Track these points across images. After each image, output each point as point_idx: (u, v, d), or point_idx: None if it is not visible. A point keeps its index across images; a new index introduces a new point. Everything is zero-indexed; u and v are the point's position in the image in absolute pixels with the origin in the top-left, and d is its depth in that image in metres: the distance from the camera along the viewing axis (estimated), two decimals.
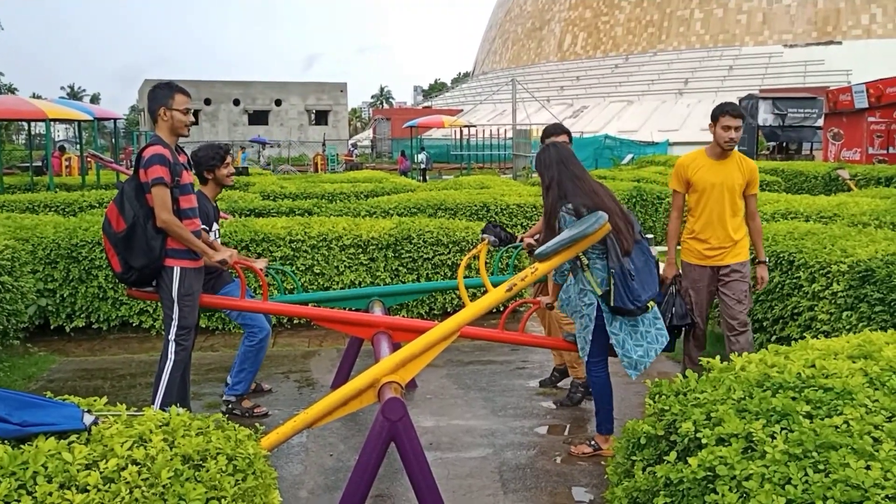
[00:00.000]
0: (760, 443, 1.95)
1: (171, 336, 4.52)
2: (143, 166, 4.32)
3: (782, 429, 2.00)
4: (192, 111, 4.67)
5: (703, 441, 2.04)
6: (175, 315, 4.49)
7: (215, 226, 5.38)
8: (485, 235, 5.62)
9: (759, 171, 15.00)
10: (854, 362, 2.41)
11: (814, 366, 2.38)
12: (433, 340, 3.71)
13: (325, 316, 4.99)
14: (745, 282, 5.09)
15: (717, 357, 2.66)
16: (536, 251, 3.90)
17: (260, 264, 5.37)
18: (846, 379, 2.22)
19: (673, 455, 2.10)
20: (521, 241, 5.49)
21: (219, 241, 5.43)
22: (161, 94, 4.49)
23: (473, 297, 7.40)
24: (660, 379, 2.58)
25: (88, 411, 2.31)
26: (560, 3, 68.96)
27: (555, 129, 5.59)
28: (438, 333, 3.74)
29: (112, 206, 4.46)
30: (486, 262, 8.05)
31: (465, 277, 7.91)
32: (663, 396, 2.41)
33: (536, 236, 5.32)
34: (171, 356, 4.51)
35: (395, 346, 4.53)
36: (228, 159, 5.42)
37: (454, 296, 8.14)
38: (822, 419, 2.02)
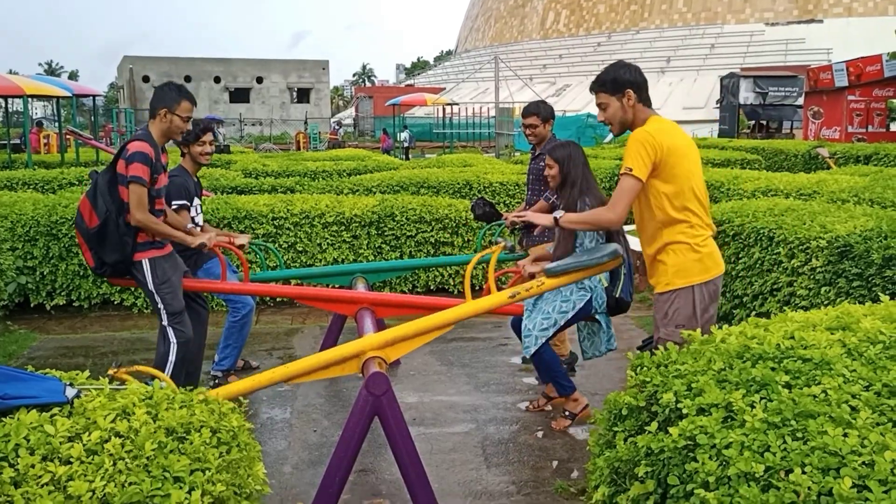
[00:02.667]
0: (740, 412, 1.97)
1: (165, 322, 4.49)
2: (126, 159, 4.26)
3: (762, 398, 2.03)
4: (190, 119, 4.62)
5: (684, 411, 2.06)
6: (160, 304, 4.47)
7: (197, 201, 5.33)
8: (477, 215, 5.66)
9: (738, 151, 14.87)
10: (832, 334, 2.44)
11: (793, 337, 2.42)
12: (426, 327, 3.71)
13: (308, 294, 4.99)
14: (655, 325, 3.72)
15: (698, 330, 2.69)
16: (548, 267, 3.78)
17: (242, 240, 5.33)
18: (824, 350, 2.25)
19: (654, 425, 2.12)
20: (506, 219, 5.52)
21: (201, 216, 5.39)
22: (168, 95, 4.43)
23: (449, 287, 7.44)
24: (641, 351, 2.61)
25: (71, 384, 2.30)
26: None
27: (530, 110, 5.65)
28: (433, 322, 3.73)
29: (84, 201, 4.40)
30: (469, 239, 8.07)
31: (447, 255, 7.95)
32: (645, 368, 2.43)
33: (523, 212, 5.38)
34: (173, 339, 4.47)
35: (379, 322, 4.55)
36: (206, 137, 5.29)
37: (437, 273, 8.15)
38: (801, 388, 2.05)
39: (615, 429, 2.33)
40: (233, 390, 3.59)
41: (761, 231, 5.55)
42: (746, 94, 29.27)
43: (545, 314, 4.55)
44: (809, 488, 1.69)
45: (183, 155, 5.35)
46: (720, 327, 2.72)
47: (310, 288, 5.39)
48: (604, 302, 4.52)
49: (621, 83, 3.51)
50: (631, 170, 3.34)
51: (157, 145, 4.39)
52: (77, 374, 2.49)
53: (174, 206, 5.05)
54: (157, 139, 4.42)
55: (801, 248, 5.11)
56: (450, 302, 4.81)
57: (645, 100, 3.55)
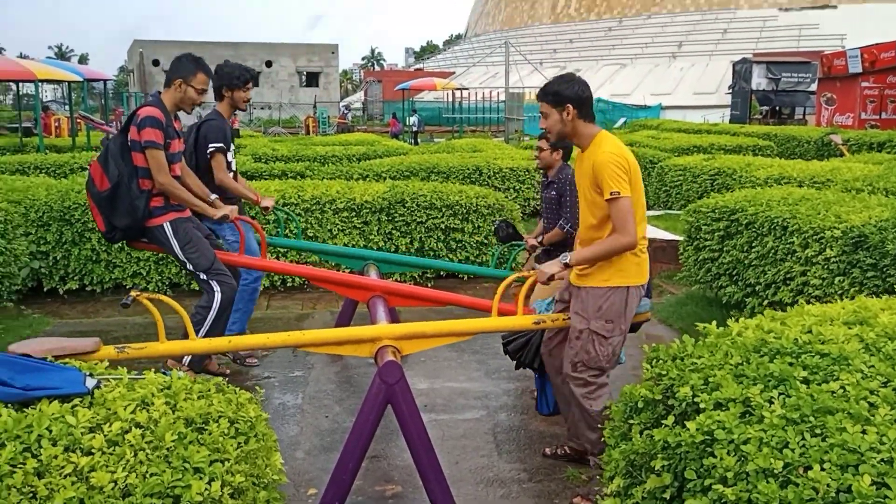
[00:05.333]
0: (758, 407, 1.97)
1: (203, 277, 4.48)
2: (137, 125, 4.27)
3: (780, 394, 2.03)
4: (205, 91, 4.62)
5: (702, 405, 2.06)
6: (189, 265, 4.46)
7: (232, 146, 5.32)
8: (501, 237, 5.64)
9: (750, 137, 14.76)
10: (850, 328, 2.44)
11: (810, 332, 2.41)
12: (446, 331, 3.75)
13: (323, 276, 4.98)
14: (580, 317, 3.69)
15: (714, 322, 2.69)
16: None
17: (268, 202, 5.36)
18: (842, 345, 2.25)
19: (671, 419, 2.12)
20: (526, 241, 5.52)
21: (234, 162, 5.37)
22: (184, 66, 4.45)
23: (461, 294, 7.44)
24: (657, 344, 2.61)
25: (90, 375, 2.32)
26: None
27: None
28: (453, 328, 3.78)
29: (95, 165, 4.40)
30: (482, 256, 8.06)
31: (468, 263, 7.93)
32: (660, 361, 2.43)
33: (539, 237, 5.37)
34: (216, 289, 4.45)
35: (391, 311, 4.56)
36: (250, 85, 5.29)
37: (448, 258, 8.13)
38: (819, 384, 2.05)
39: (631, 421, 2.34)
40: (248, 343, 3.65)
41: (775, 220, 5.53)
42: (759, 80, 29.10)
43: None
44: (828, 485, 1.70)
45: (221, 98, 5.28)
46: (736, 320, 2.72)
47: (324, 270, 5.39)
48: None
49: (562, 97, 3.60)
50: (619, 193, 3.45)
51: (167, 111, 4.39)
52: (96, 364, 2.51)
53: (210, 149, 5.03)
54: (169, 107, 4.43)
55: (815, 237, 5.09)
56: (462, 299, 4.81)
57: (586, 115, 3.64)
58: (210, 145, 5.06)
